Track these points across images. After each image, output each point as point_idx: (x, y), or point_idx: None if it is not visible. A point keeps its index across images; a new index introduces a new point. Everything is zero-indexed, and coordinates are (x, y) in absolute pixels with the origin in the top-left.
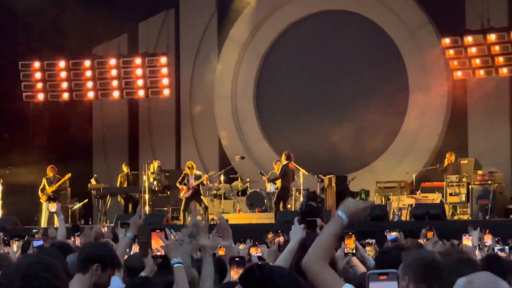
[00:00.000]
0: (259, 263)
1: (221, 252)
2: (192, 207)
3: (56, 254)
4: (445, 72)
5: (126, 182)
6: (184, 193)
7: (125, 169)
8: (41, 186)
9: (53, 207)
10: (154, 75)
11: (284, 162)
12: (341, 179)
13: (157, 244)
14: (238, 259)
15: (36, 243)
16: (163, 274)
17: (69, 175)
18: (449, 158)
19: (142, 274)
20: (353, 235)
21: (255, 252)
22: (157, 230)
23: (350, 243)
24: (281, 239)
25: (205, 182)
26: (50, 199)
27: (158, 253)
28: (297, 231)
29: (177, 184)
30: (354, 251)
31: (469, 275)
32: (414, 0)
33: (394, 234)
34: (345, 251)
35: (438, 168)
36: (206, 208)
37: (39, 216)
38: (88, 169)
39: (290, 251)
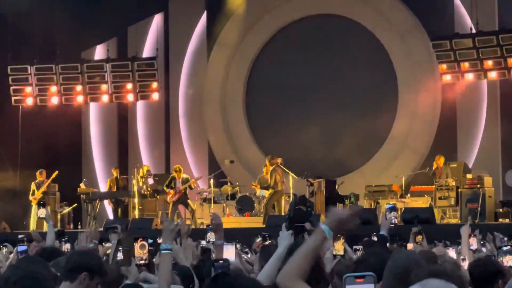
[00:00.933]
0: (224, 271)
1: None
2: (181, 211)
3: (40, 261)
4: (434, 76)
5: (115, 186)
6: (171, 197)
7: (114, 173)
8: (31, 191)
9: (42, 212)
10: (143, 79)
11: (270, 167)
12: (330, 183)
13: (140, 252)
14: (221, 261)
15: (20, 248)
16: None
17: (56, 173)
18: (438, 161)
19: (127, 282)
20: (342, 238)
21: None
22: (140, 239)
23: (338, 246)
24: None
25: (192, 186)
26: (39, 204)
27: (142, 262)
28: (285, 237)
29: (164, 188)
30: (343, 253)
31: (421, 281)
32: (403, 4)
33: (391, 203)
34: (334, 253)
35: (427, 172)
36: (193, 211)
37: (28, 220)
38: (77, 174)
39: (278, 257)
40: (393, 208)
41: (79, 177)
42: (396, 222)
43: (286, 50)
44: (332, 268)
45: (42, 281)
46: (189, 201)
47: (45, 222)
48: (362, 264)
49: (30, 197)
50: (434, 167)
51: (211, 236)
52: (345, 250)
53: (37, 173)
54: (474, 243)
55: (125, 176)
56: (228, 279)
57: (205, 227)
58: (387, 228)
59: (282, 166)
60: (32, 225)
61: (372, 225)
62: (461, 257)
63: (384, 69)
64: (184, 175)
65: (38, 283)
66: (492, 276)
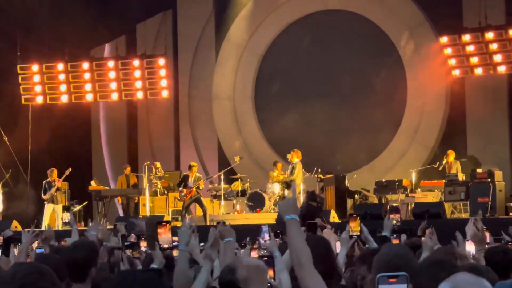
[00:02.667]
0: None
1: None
2: (192, 209)
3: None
4: (443, 71)
5: (126, 184)
6: (184, 195)
7: (125, 171)
8: (42, 190)
9: (67, 217)
10: (152, 77)
11: (295, 160)
12: (340, 178)
13: (164, 236)
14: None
15: (39, 250)
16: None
17: (69, 170)
18: (448, 156)
19: (154, 266)
20: (358, 217)
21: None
22: (163, 223)
23: (355, 226)
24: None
25: (201, 187)
26: (64, 209)
27: (166, 246)
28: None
29: (176, 186)
30: (359, 233)
31: (449, 278)
32: None
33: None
34: (350, 234)
35: (437, 166)
36: (205, 210)
37: (40, 218)
38: (88, 172)
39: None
40: (396, 210)
41: (89, 175)
42: (399, 223)
43: (294, 46)
44: (354, 254)
45: (48, 275)
46: (202, 198)
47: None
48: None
49: (43, 196)
50: (444, 162)
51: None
52: (361, 230)
53: (48, 171)
54: (487, 238)
55: (135, 174)
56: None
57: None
58: (390, 229)
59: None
60: (45, 224)
61: (383, 220)
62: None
63: (393, 64)
64: (196, 174)
65: (45, 277)
66: (509, 264)
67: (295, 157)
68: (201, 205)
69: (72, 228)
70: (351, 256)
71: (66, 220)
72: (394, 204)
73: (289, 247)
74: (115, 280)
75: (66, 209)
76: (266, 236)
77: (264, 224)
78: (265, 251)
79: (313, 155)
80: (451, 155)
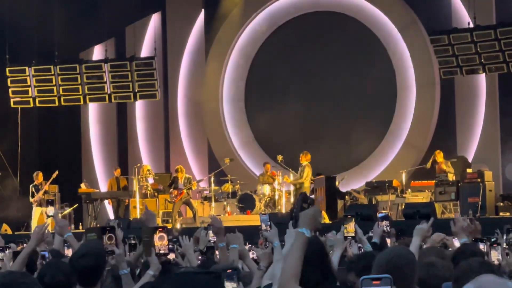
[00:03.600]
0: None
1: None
2: (182, 211)
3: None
4: (432, 71)
5: (116, 186)
6: (174, 197)
7: (115, 173)
8: (30, 194)
9: (51, 210)
10: (141, 79)
11: (304, 162)
12: (331, 180)
13: (159, 243)
14: (230, 270)
15: (44, 253)
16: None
17: (56, 173)
18: (436, 156)
19: (150, 272)
20: (353, 219)
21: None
22: (159, 229)
23: (350, 227)
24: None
25: (193, 188)
26: (47, 202)
27: (162, 251)
28: (292, 236)
29: (167, 188)
30: (353, 234)
31: (474, 280)
32: (400, 0)
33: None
34: (345, 235)
35: (426, 167)
36: (195, 212)
37: (30, 222)
38: (78, 174)
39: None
40: (385, 217)
41: (79, 177)
42: (388, 230)
43: (284, 48)
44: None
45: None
46: (191, 200)
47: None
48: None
49: (31, 199)
50: (430, 162)
51: (212, 237)
52: (356, 231)
53: (34, 175)
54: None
55: (125, 176)
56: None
57: (205, 225)
58: (379, 236)
59: (282, 164)
60: (34, 226)
61: (373, 221)
62: None
63: (382, 65)
64: (186, 175)
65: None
66: None
67: (304, 160)
68: (191, 207)
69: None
70: (343, 255)
71: (50, 214)
72: (384, 212)
73: (286, 257)
74: (173, 281)
75: (49, 203)
76: (265, 226)
77: (264, 213)
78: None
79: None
80: (439, 155)
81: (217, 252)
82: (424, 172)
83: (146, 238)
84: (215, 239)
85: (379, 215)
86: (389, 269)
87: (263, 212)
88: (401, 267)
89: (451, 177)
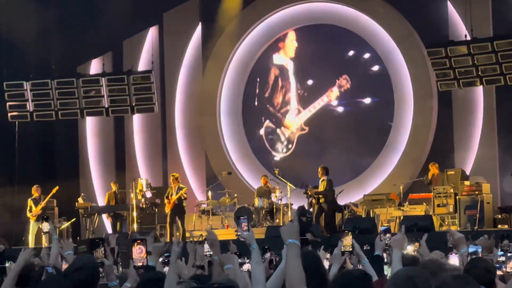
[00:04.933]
0: None
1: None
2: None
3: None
4: (429, 83)
5: (114, 200)
6: (166, 207)
7: (113, 187)
8: (28, 207)
9: (46, 226)
10: (139, 92)
11: (324, 176)
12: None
13: (137, 255)
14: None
15: (49, 269)
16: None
17: (56, 188)
18: (432, 169)
19: (127, 285)
20: (350, 234)
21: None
22: (138, 241)
23: (347, 242)
24: (269, 255)
25: (182, 197)
26: (42, 218)
27: (140, 264)
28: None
29: (164, 198)
30: (350, 249)
31: None
32: (397, 12)
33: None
34: (342, 250)
35: (424, 180)
36: (183, 231)
37: (27, 236)
38: (75, 188)
39: (282, 270)
40: (387, 230)
41: (77, 191)
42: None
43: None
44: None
45: None
46: (179, 221)
47: (43, 237)
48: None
49: (28, 214)
50: (430, 175)
51: (208, 250)
52: (353, 246)
53: (33, 189)
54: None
55: (123, 190)
56: None
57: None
58: (382, 249)
59: (280, 177)
60: (31, 242)
61: (372, 234)
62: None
63: (379, 77)
64: (180, 185)
65: None
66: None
67: (323, 175)
68: (182, 220)
69: (53, 238)
70: (342, 267)
71: (45, 230)
72: (386, 225)
73: (286, 268)
74: None
75: (45, 219)
76: (244, 227)
77: (243, 216)
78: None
79: (301, 169)
80: (435, 167)
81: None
82: (422, 185)
83: (124, 250)
84: (211, 253)
85: (381, 228)
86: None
87: (242, 216)
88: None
89: (449, 189)
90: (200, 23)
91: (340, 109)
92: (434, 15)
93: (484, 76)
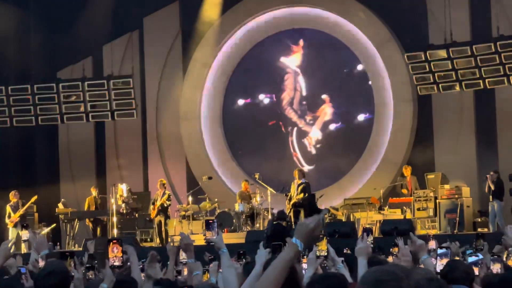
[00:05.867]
0: None
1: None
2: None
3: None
4: (409, 87)
5: (94, 206)
6: (152, 213)
7: (93, 192)
8: (7, 214)
9: (25, 234)
10: (119, 98)
11: (301, 180)
12: (310, 197)
13: (113, 254)
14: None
15: (23, 269)
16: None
17: (35, 197)
18: (406, 171)
19: (103, 285)
20: (325, 238)
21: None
22: (113, 241)
23: (322, 246)
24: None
25: (165, 205)
26: (22, 226)
27: (116, 264)
28: (262, 255)
29: (145, 207)
30: (326, 254)
31: None
32: (377, 17)
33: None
34: (317, 254)
35: (402, 183)
36: (166, 232)
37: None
38: (55, 194)
39: (256, 275)
40: (369, 230)
41: (57, 197)
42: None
43: (261, 65)
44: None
45: None
46: (167, 220)
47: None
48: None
49: (7, 220)
50: (403, 180)
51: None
52: (328, 251)
53: (10, 194)
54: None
55: (104, 195)
56: None
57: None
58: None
59: (260, 181)
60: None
61: (352, 238)
62: None
63: (360, 82)
64: (166, 191)
65: None
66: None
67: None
68: (165, 223)
69: (32, 246)
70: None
71: (25, 238)
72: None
73: (272, 265)
74: None
75: (24, 226)
76: (211, 232)
77: (213, 220)
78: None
79: (282, 173)
80: (408, 170)
81: (185, 269)
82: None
83: (99, 250)
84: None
85: (363, 228)
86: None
87: (210, 220)
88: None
89: (429, 193)
90: (180, 27)
91: (321, 113)
92: (414, 19)
93: (464, 80)
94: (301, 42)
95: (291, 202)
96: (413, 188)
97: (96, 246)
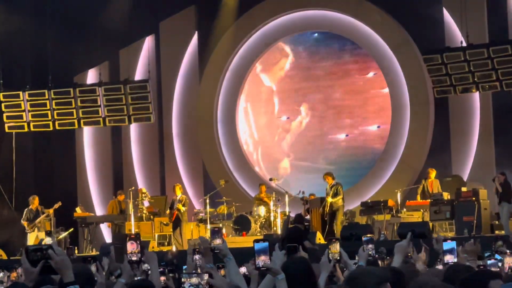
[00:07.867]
0: None
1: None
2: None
3: None
4: (426, 90)
5: (117, 209)
6: (170, 218)
7: (119, 197)
8: (24, 217)
9: (49, 241)
10: (136, 102)
11: (333, 181)
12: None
13: (131, 249)
14: None
15: None
16: None
17: (59, 203)
18: (429, 174)
19: (122, 280)
20: (338, 242)
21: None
22: (132, 236)
23: (334, 249)
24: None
25: (182, 209)
26: (46, 233)
27: (134, 259)
28: (278, 257)
29: (163, 211)
30: (338, 257)
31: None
32: (394, 19)
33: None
34: (329, 257)
35: (422, 186)
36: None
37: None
38: (73, 198)
39: (271, 278)
40: (370, 241)
41: (74, 201)
42: (374, 254)
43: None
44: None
45: None
46: (183, 225)
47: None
48: None
49: (25, 224)
50: (423, 183)
51: (199, 261)
52: (340, 255)
53: (30, 199)
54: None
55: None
56: None
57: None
58: (365, 259)
59: (277, 185)
60: None
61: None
62: None
63: (376, 84)
64: (182, 195)
65: None
66: None
67: (331, 180)
68: (180, 231)
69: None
70: (332, 275)
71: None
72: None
73: None
74: None
75: (48, 234)
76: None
77: (217, 228)
78: None
79: (298, 176)
80: (432, 173)
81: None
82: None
83: (117, 245)
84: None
85: (364, 238)
86: None
87: (215, 227)
88: None
89: (446, 196)
90: (196, 32)
91: (337, 115)
92: (430, 21)
93: (480, 82)
94: (315, 44)
95: (326, 205)
96: (434, 191)
97: (114, 241)
